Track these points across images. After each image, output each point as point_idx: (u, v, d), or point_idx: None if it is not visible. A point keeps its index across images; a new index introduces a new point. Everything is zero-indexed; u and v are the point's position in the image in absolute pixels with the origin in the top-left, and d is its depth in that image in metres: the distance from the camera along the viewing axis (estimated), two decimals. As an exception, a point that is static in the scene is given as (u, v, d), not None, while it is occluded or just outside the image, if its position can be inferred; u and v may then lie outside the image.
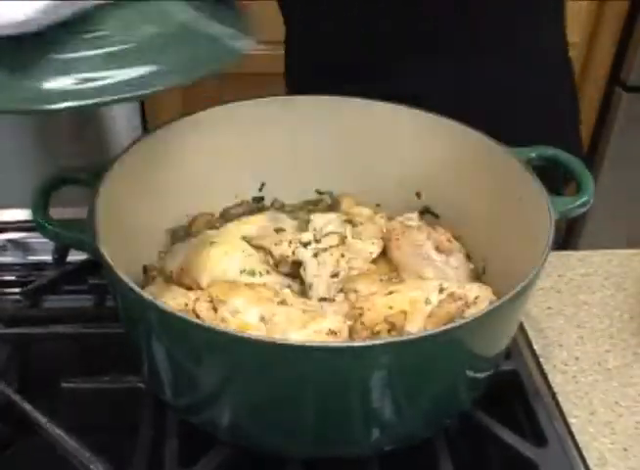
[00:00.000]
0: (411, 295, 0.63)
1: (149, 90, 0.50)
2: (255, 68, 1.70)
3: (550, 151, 0.69)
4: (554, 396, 0.70)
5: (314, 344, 0.54)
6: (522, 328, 0.76)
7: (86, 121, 1.79)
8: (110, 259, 0.55)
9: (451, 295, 0.62)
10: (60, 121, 1.78)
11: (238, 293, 0.64)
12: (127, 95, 0.49)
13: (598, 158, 1.79)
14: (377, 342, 0.54)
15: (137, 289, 0.53)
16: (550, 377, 0.72)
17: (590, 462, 0.64)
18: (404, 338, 0.55)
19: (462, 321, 0.54)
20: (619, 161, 1.77)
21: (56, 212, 0.64)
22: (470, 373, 0.60)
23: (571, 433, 0.67)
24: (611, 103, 1.75)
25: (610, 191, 1.66)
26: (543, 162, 0.68)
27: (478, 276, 0.72)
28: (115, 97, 0.48)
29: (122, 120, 1.80)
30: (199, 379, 0.56)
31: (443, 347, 0.54)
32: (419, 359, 0.54)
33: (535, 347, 0.74)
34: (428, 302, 0.62)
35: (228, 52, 0.56)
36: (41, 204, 0.60)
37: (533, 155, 0.68)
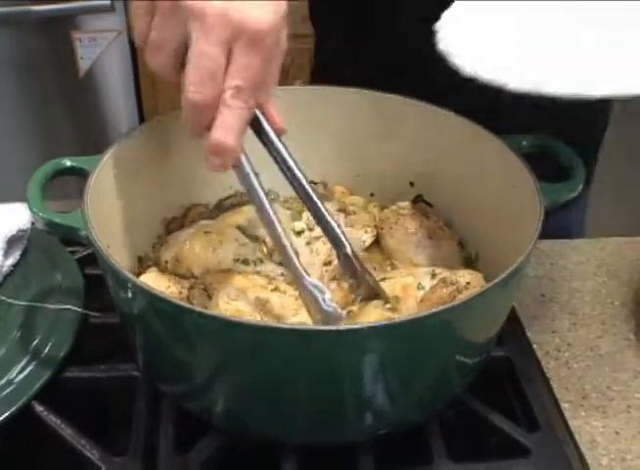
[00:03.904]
0: (403, 281, 0.64)
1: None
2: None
3: (541, 138, 0.69)
4: (547, 381, 0.71)
5: (305, 327, 0.55)
6: (515, 315, 0.76)
7: (84, 114, 1.80)
8: (103, 247, 0.55)
9: (443, 280, 0.63)
10: (58, 114, 1.79)
11: (232, 281, 0.65)
12: None
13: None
14: (366, 325, 0.55)
15: (130, 275, 0.53)
16: (543, 363, 0.72)
17: (582, 446, 0.65)
18: (395, 321, 0.55)
19: (452, 304, 0.55)
20: (619, 150, 1.78)
21: (54, 205, 0.66)
22: (461, 358, 0.61)
23: (563, 417, 0.67)
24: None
25: (610, 182, 1.67)
26: (535, 149, 0.69)
27: (471, 263, 0.72)
28: None
29: (121, 114, 1.81)
30: (192, 365, 0.56)
31: (434, 330, 0.55)
32: (410, 342, 0.55)
33: (529, 334, 0.75)
34: (420, 287, 0.63)
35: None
36: (37, 193, 0.61)
37: (525, 143, 0.69)
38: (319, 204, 0.62)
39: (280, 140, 0.62)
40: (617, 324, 0.77)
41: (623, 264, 0.84)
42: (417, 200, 0.77)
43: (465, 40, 0.63)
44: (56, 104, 1.76)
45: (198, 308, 0.52)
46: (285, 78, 0.62)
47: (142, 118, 1.82)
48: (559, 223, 0.85)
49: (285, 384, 0.56)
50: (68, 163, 0.65)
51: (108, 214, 0.65)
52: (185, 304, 0.55)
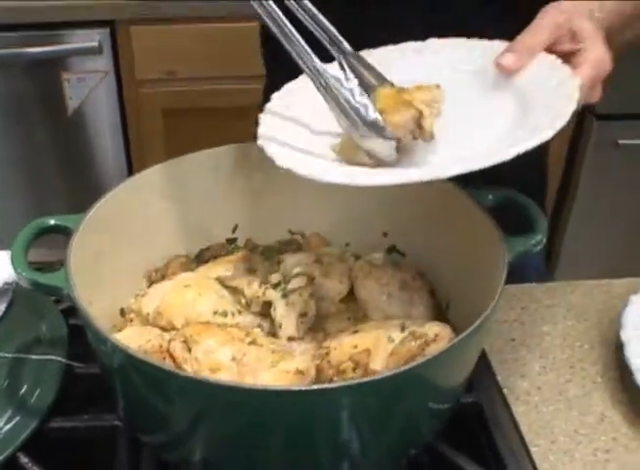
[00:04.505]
0: (374, 333, 0.66)
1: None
2: (233, 102, 1.76)
3: (506, 193, 0.72)
4: (516, 426, 0.73)
5: (276, 387, 0.57)
6: (486, 360, 0.79)
7: (72, 152, 1.83)
8: (84, 307, 0.58)
9: (412, 333, 0.65)
10: (46, 153, 1.83)
11: (210, 334, 0.67)
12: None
13: (572, 185, 1.83)
14: (338, 385, 0.57)
15: (108, 335, 0.56)
16: (513, 408, 0.75)
17: (550, 490, 0.67)
18: (361, 381, 0.58)
19: (418, 361, 0.57)
20: (592, 186, 1.82)
21: (39, 254, 0.68)
22: (431, 406, 0.63)
23: (532, 461, 0.70)
24: (582, 130, 1.80)
25: (584, 216, 1.71)
26: (500, 202, 0.72)
27: (442, 312, 0.75)
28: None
29: (108, 150, 1.85)
30: (169, 418, 0.59)
31: (403, 384, 0.57)
32: (382, 396, 0.57)
33: (499, 378, 0.78)
34: (390, 340, 0.66)
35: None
36: (21, 254, 0.64)
37: (490, 196, 0.72)
38: None
39: None
40: (585, 367, 0.80)
41: (592, 307, 0.87)
42: (390, 250, 0.79)
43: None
44: (44, 142, 1.80)
45: (170, 368, 0.55)
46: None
47: (128, 155, 1.85)
48: (516, 268, 0.88)
49: (259, 437, 0.58)
50: (51, 221, 0.68)
51: (91, 269, 0.68)
52: (159, 363, 0.58)
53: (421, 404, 0.62)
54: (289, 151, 0.66)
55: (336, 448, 0.60)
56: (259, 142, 0.66)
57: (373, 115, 0.63)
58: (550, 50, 0.69)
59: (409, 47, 0.76)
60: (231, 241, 0.81)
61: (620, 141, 1.75)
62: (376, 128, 0.63)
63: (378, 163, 0.64)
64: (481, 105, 0.70)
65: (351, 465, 0.62)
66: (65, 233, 0.67)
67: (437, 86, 0.66)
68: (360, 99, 0.63)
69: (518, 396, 0.76)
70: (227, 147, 0.78)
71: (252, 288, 0.72)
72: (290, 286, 0.71)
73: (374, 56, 0.73)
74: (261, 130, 0.68)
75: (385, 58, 0.74)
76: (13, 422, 0.68)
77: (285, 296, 0.71)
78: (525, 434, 0.72)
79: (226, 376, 0.62)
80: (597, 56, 0.66)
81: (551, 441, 0.72)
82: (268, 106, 0.72)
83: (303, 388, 0.57)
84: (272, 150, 0.65)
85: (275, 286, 0.72)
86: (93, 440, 0.71)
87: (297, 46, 0.64)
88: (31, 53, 1.67)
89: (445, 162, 0.63)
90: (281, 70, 1.00)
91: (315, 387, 0.57)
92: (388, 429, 0.61)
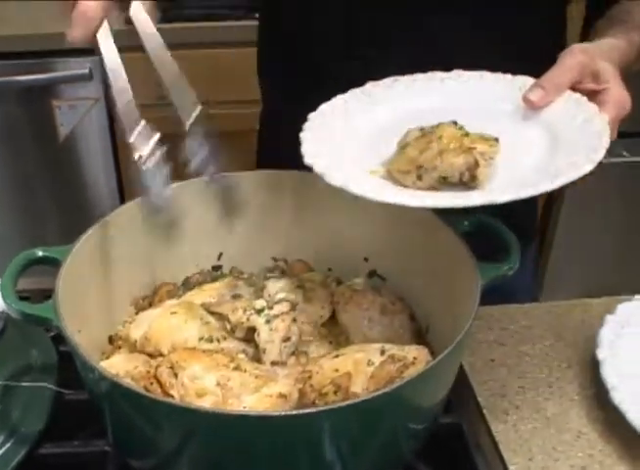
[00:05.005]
0: (355, 357, 0.68)
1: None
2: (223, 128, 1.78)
3: (480, 219, 0.75)
4: (496, 445, 0.75)
5: (257, 413, 0.60)
6: (466, 381, 0.81)
7: (64, 178, 1.85)
8: (72, 338, 0.60)
9: (391, 357, 0.68)
10: (37, 178, 1.85)
11: (196, 360, 0.69)
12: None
13: (557, 202, 1.86)
14: (314, 409, 0.60)
15: (95, 365, 0.58)
16: (492, 427, 0.77)
17: (527, 507, 0.69)
18: (340, 404, 0.59)
19: (395, 384, 0.60)
20: (578, 203, 1.85)
21: (30, 283, 0.70)
22: (410, 426, 0.65)
23: (510, 480, 0.72)
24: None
25: (570, 233, 1.74)
26: (475, 228, 0.74)
27: (422, 335, 0.77)
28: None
29: (99, 175, 1.87)
30: (155, 443, 0.61)
31: (383, 405, 0.59)
32: (360, 419, 0.59)
33: (479, 398, 0.80)
34: (370, 363, 0.68)
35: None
36: (9, 285, 0.66)
37: (466, 223, 0.74)
38: None
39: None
40: (562, 386, 0.82)
41: (570, 327, 0.89)
42: (371, 274, 0.82)
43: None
44: (36, 169, 1.82)
45: (153, 396, 0.57)
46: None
47: (120, 180, 1.87)
48: (505, 288, 0.91)
49: (243, 460, 0.60)
50: (40, 253, 0.70)
51: (80, 299, 0.70)
52: (143, 391, 0.60)
53: (400, 425, 0.64)
54: (336, 169, 0.68)
55: (318, 469, 0.62)
56: (307, 160, 0.68)
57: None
58: (573, 89, 0.73)
59: (436, 77, 0.80)
60: (216, 268, 0.84)
61: (603, 160, 1.77)
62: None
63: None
64: (513, 134, 0.73)
65: (334, 486, 0.64)
66: (53, 264, 0.69)
67: (497, 140, 0.69)
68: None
69: (497, 415, 0.78)
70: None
71: (237, 314, 0.74)
72: (273, 312, 0.74)
73: (401, 84, 0.77)
74: (306, 148, 0.70)
75: (410, 85, 0.78)
76: (4, 448, 0.70)
77: (268, 321, 0.73)
78: (503, 452, 0.74)
79: (211, 401, 0.64)
80: (619, 96, 0.71)
81: (529, 458, 0.74)
82: (307, 125, 0.74)
83: (283, 413, 0.59)
84: (322, 167, 0.67)
85: (259, 312, 0.74)
86: (83, 465, 0.72)
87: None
88: (22, 81, 1.70)
89: (493, 187, 0.67)
90: (277, 99, 1.04)
91: (296, 412, 0.59)
92: (369, 449, 0.63)
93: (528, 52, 0.84)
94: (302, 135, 0.72)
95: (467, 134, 0.69)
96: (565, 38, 0.95)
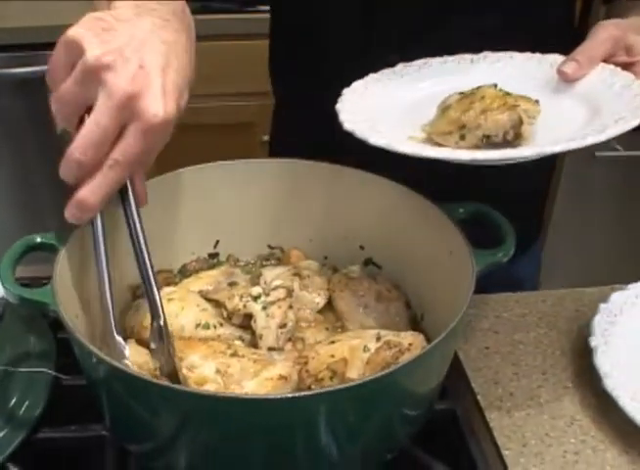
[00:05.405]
0: (351, 343, 0.69)
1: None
2: (218, 120, 1.79)
3: (476, 206, 0.75)
4: (490, 431, 0.76)
5: (258, 396, 0.60)
6: (461, 368, 0.82)
7: (63, 182, 1.85)
8: (70, 322, 0.60)
9: (387, 343, 0.68)
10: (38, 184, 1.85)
11: (193, 349, 0.69)
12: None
13: (550, 196, 1.87)
14: (311, 392, 0.60)
15: (92, 348, 0.58)
16: (487, 413, 0.78)
17: (521, 492, 0.70)
18: (337, 387, 0.60)
19: (390, 369, 0.60)
20: (570, 198, 1.86)
21: (30, 271, 0.70)
22: (405, 411, 0.66)
23: (504, 465, 0.73)
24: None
25: (562, 227, 1.75)
26: (470, 216, 0.75)
27: (417, 322, 0.78)
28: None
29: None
30: (153, 428, 0.61)
31: (379, 390, 0.60)
32: (356, 404, 0.60)
33: (473, 385, 0.81)
34: (366, 349, 0.68)
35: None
36: (9, 271, 0.66)
37: (461, 210, 0.75)
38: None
39: (139, 214, 0.68)
40: (556, 373, 0.83)
41: (563, 315, 0.90)
42: (367, 262, 0.82)
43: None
44: (35, 160, 1.82)
45: (151, 379, 0.57)
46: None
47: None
48: (510, 277, 0.91)
49: (241, 444, 0.60)
50: (38, 239, 0.70)
51: (78, 284, 0.71)
52: (141, 374, 0.60)
53: (395, 410, 0.65)
54: (377, 131, 0.68)
55: (315, 453, 0.63)
56: (347, 126, 0.68)
57: None
58: (606, 62, 0.73)
59: (466, 58, 0.81)
60: (213, 256, 0.84)
61: (597, 153, 1.80)
62: None
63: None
64: (550, 106, 0.72)
65: (328, 468, 0.65)
66: (51, 250, 0.70)
67: (537, 101, 0.70)
68: None
69: (491, 402, 0.79)
70: (211, 164, 0.81)
71: (234, 301, 0.75)
72: (269, 298, 0.74)
73: (433, 65, 0.79)
74: (344, 117, 0.70)
75: (441, 66, 0.79)
76: (2, 433, 0.70)
77: (265, 308, 0.73)
78: (497, 438, 0.75)
79: (213, 389, 0.65)
80: None
81: (522, 444, 0.75)
82: (342, 98, 0.74)
83: (279, 396, 0.59)
84: (364, 130, 0.67)
85: (255, 298, 0.74)
86: (81, 450, 0.73)
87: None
88: (20, 73, 1.70)
89: (543, 142, 0.66)
90: (290, 97, 1.03)
91: (293, 394, 0.60)
92: (365, 434, 0.64)
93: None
94: (338, 107, 0.72)
95: (508, 94, 0.70)
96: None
